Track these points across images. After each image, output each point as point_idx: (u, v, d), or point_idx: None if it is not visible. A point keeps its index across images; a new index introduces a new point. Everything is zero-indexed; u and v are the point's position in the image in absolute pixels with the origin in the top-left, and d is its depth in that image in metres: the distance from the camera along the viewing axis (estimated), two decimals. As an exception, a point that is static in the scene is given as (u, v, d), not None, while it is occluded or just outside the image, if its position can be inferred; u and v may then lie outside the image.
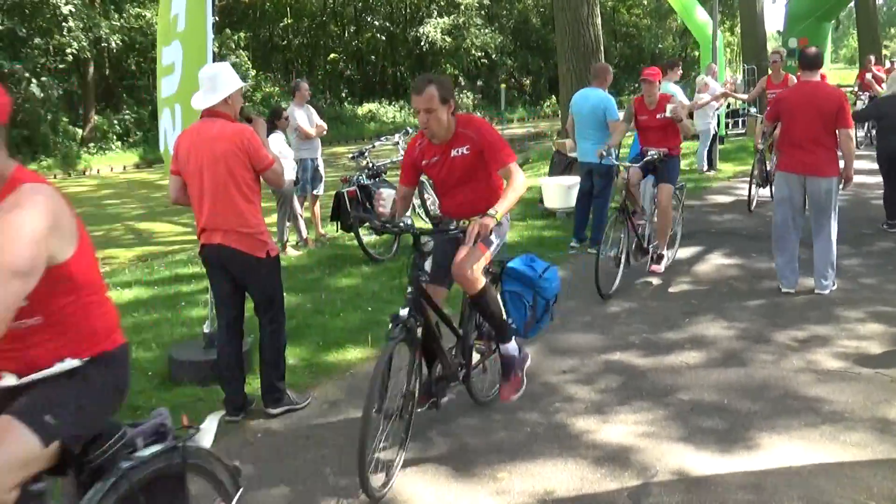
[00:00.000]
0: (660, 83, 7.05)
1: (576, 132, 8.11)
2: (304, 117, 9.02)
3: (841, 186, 6.27)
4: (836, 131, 6.07)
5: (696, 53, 17.92)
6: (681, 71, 10.68)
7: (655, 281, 6.94)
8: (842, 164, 6.24)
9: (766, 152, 9.97)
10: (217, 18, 28.45)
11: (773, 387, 4.60)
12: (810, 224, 6.44)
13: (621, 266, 6.63)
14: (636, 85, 39.83)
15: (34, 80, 22.88)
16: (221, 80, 4.20)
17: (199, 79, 4.24)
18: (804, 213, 6.52)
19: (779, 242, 6.47)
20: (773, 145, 9.26)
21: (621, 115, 7.84)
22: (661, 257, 7.06)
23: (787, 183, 6.33)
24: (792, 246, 6.40)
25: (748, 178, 10.07)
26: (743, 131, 19.57)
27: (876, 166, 8.80)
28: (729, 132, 18.07)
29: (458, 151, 3.96)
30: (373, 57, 39.19)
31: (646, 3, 44.70)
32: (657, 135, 6.93)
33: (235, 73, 4.32)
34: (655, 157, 6.67)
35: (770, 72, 10.97)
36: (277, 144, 8.58)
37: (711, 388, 4.62)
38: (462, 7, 36.59)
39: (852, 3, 26.23)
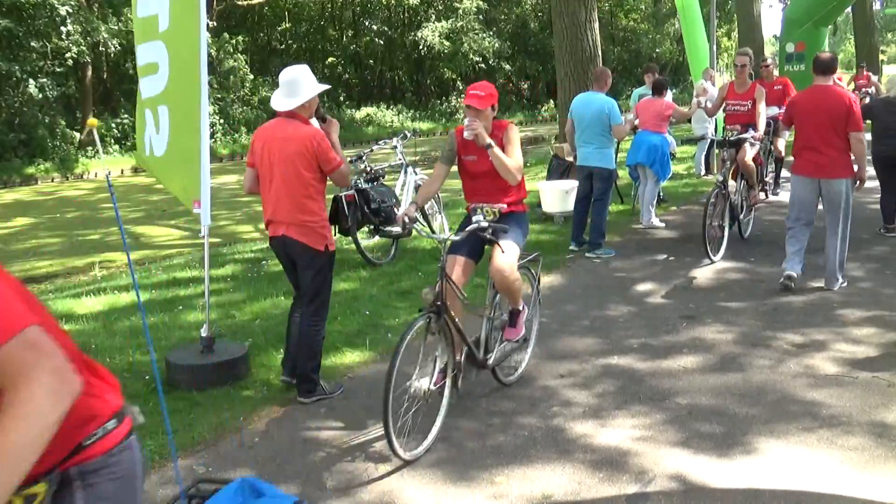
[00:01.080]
0: (493, 108, 4.50)
1: (576, 136, 8.12)
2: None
3: (857, 187, 6.54)
4: (848, 134, 6.30)
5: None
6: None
7: (652, 286, 6.94)
8: (855, 166, 6.47)
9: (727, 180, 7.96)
10: (215, 22, 28.52)
11: (770, 391, 4.60)
12: (825, 224, 6.68)
13: (444, 401, 4.17)
14: (632, 90, 40.07)
15: (32, 83, 22.87)
16: (301, 86, 4.47)
17: (280, 81, 4.50)
18: (815, 213, 6.72)
19: (791, 237, 6.72)
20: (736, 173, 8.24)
21: (624, 117, 7.91)
22: (517, 314, 4.69)
23: (802, 186, 6.55)
24: (803, 240, 6.66)
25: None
26: (740, 136, 19.59)
27: (871, 171, 8.81)
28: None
29: None
30: (371, 61, 39.21)
31: (643, 7, 44.80)
32: (490, 184, 4.54)
33: (314, 78, 4.58)
34: (488, 219, 4.31)
35: (734, 78, 8.58)
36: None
37: (709, 393, 4.62)
38: (460, 11, 36.64)
39: (849, 9, 26.34)
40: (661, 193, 10.58)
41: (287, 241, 4.52)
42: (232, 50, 30.33)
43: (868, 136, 7.28)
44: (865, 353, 5.16)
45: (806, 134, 6.48)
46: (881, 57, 35.84)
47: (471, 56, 36.79)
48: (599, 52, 12.12)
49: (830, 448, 3.90)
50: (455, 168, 4.76)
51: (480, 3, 37.32)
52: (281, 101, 4.48)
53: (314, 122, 4.98)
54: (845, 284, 6.65)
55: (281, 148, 4.43)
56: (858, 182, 6.51)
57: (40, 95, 23.01)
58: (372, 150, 9.02)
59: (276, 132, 4.49)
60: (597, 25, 12.12)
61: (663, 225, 9.41)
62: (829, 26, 24.48)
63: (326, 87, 4.73)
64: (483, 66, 38.33)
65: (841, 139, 6.33)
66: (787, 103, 6.94)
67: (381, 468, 3.85)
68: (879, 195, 8.67)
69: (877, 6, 35.39)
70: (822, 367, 4.94)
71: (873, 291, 6.50)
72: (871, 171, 8.85)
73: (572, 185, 8.93)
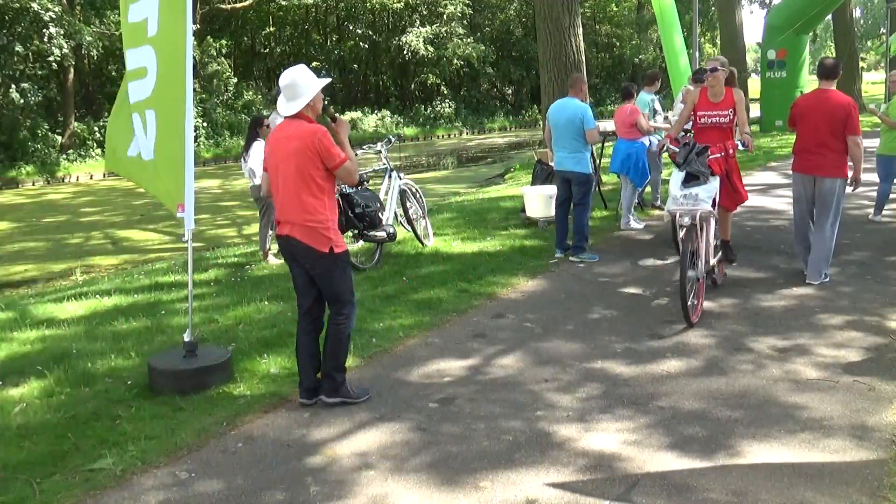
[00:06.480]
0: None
1: (553, 141, 8.22)
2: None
3: (851, 188, 6.88)
4: (846, 138, 6.61)
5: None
6: (659, 82, 10.61)
7: (636, 291, 6.97)
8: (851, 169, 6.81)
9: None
10: (199, 25, 28.40)
11: (753, 395, 4.63)
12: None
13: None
14: (617, 95, 40.33)
15: (13, 86, 22.68)
16: (301, 87, 4.44)
17: (280, 85, 4.46)
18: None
19: (798, 236, 7.15)
20: None
21: (599, 125, 8.14)
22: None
23: (800, 183, 6.93)
24: (809, 238, 6.99)
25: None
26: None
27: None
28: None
29: None
30: (355, 66, 39.21)
31: (626, 13, 45.08)
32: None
33: (312, 76, 4.51)
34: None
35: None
36: (260, 153, 8.55)
37: (692, 396, 4.64)
38: (444, 17, 36.71)
39: (830, 16, 26.61)
40: (640, 199, 10.55)
41: (292, 242, 4.48)
42: (215, 54, 30.24)
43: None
44: (846, 357, 5.20)
45: (806, 135, 6.78)
46: (861, 64, 36.19)
47: (455, 61, 36.87)
48: (583, 58, 12.16)
49: (812, 451, 3.93)
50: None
51: (465, 8, 37.42)
52: (285, 105, 4.49)
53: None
54: (827, 280, 6.90)
55: (285, 147, 4.44)
56: (854, 183, 6.77)
57: (21, 101, 22.83)
58: (356, 155, 9.00)
59: (282, 133, 4.52)
60: (580, 31, 12.17)
61: (641, 226, 9.50)
62: (810, 34, 24.72)
63: (327, 80, 4.69)
64: (467, 70, 38.43)
65: (839, 142, 6.62)
66: (792, 105, 7.13)
67: (366, 473, 3.84)
68: (860, 201, 8.75)
69: (857, 14, 35.81)
70: (803, 371, 4.98)
71: (854, 296, 6.56)
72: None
73: (556, 190, 8.97)
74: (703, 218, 6.05)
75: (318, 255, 4.44)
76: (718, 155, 6.38)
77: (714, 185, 6.16)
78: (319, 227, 4.42)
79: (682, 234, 6.00)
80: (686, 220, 5.95)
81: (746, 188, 7.13)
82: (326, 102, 4.77)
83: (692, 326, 5.82)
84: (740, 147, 6.53)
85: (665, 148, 6.61)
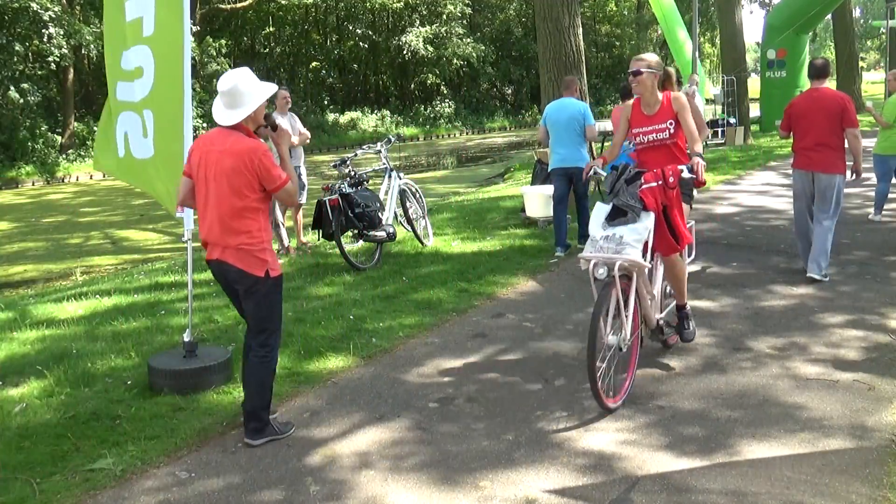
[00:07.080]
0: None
1: (552, 140, 8.33)
2: (287, 125, 9.00)
3: (853, 179, 7.06)
4: (844, 132, 6.76)
5: (677, 66, 18.11)
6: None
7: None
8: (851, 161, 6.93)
9: None
10: (198, 26, 28.39)
11: (752, 394, 4.63)
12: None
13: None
14: (616, 94, 40.55)
15: (13, 87, 22.69)
16: (245, 95, 4.00)
17: (219, 90, 4.03)
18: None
19: (798, 233, 7.30)
20: None
21: (598, 125, 8.30)
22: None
23: (800, 179, 7.08)
24: (809, 234, 7.12)
25: (729, 187, 9.78)
26: (722, 141, 19.78)
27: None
28: (709, 142, 18.19)
29: None
30: (355, 65, 39.22)
31: (626, 13, 45.10)
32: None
33: (257, 82, 4.08)
34: None
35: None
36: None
37: (692, 396, 4.64)
38: (444, 17, 36.72)
39: (829, 16, 26.62)
40: None
41: (223, 266, 4.07)
42: (215, 53, 30.25)
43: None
44: (846, 356, 5.20)
45: (805, 133, 6.91)
46: (860, 64, 36.18)
47: (455, 61, 36.88)
48: (583, 58, 12.15)
49: (812, 451, 3.92)
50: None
51: (465, 8, 37.44)
52: (223, 113, 4.01)
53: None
54: (827, 279, 6.91)
55: (218, 161, 3.96)
56: (856, 175, 6.94)
57: (21, 101, 22.83)
58: (356, 155, 9.01)
59: (214, 144, 4.02)
60: (580, 31, 12.16)
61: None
62: (809, 33, 24.74)
63: (274, 87, 4.20)
64: (467, 70, 38.44)
65: (837, 138, 6.79)
66: (786, 107, 7.26)
67: (365, 473, 3.84)
68: (860, 200, 8.76)
69: (856, 13, 35.85)
70: (803, 370, 4.98)
71: (853, 295, 6.56)
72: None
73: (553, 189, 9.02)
74: (627, 268, 4.52)
75: (252, 279, 4.03)
76: (654, 184, 4.67)
77: (645, 223, 4.56)
78: (253, 248, 4.02)
79: (595, 289, 4.48)
80: (601, 272, 4.39)
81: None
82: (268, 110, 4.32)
83: (609, 412, 4.40)
84: (685, 174, 4.72)
85: (593, 172, 5.17)
